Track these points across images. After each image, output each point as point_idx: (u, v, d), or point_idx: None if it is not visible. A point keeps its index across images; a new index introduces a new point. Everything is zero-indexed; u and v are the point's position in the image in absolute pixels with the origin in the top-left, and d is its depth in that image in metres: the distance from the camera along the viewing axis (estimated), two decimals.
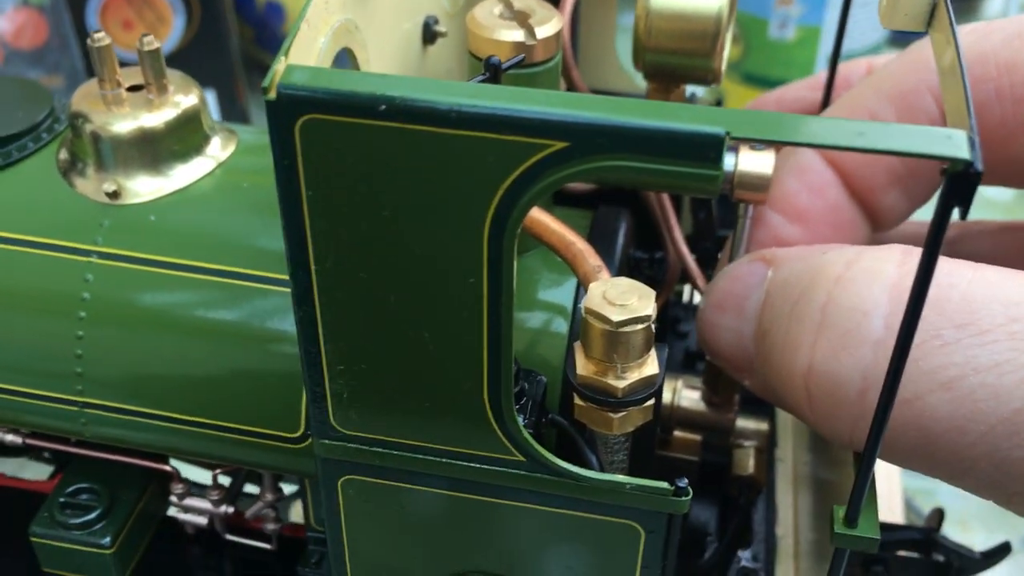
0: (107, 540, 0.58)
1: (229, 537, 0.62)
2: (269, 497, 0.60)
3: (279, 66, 0.36)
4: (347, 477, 0.46)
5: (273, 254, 0.55)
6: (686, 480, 0.42)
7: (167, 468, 0.60)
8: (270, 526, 0.61)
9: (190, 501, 0.61)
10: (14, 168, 0.59)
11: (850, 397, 0.40)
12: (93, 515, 0.59)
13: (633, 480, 0.43)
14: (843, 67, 0.63)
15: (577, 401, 0.46)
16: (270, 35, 1.65)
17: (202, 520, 0.62)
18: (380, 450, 0.45)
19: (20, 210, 0.57)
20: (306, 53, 0.40)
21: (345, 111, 0.35)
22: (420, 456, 0.44)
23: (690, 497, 0.42)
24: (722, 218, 0.69)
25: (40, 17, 1.44)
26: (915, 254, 0.39)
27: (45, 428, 0.58)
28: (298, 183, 0.37)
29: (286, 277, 0.52)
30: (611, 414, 0.45)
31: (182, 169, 0.58)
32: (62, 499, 0.59)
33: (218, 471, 0.60)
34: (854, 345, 0.40)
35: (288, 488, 0.63)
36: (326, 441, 0.45)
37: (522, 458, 0.43)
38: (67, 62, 1.48)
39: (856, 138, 0.32)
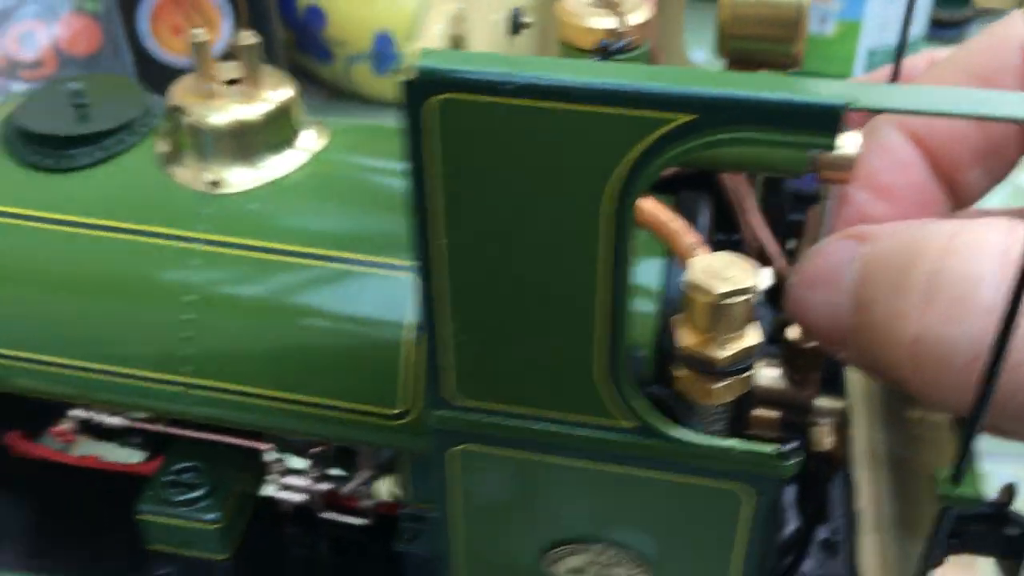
0: (213, 516, 0.61)
1: (324, 515, 0.64)
2: (365, 474, 0.61)
3: (413, 48, 0.38)
4: (458, 448, 0.48)
5: (367, 239, 0.57)
6: (797, 441, 0.43)
7: (266, 447, 0.62)
8: (365, 502, 0.63)
9: (288, 480, 0.63)
10: (115, 160, 0.61)
11: (958, 364, 0.42)
12: (198, 493, 0.61)
13: (742, 444, 0.44)
14: (905, 61, 0.64)
15: (677, 373, 0.48)
16: (310, 39, 1.67)
17: (299, 498, 0.64)
18: (494, 420, 0.47)
19: (124, 200, 0.60)
20: (427, 38, 0.43)
21: (477, 90, 0.37)
22: (533, 425, 0.46)
23: (800, 460, 0.44)
24: (783, 207, 0.70)
25: (94, 24, 1.47)
26: (1020, 224, 0.40)
27: (151, 409, 0.60)
28: (429, 159, 0.39)
29: (381, 260, 0.55)
30: (712, 384, 0.47)
31: (276, 160, 0.60)
32: (167, 478, 0.62)
33: (316, 449, 0.62)
34: (964, 313, 0.41)
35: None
36: (441, 412, 0.47)
37: (635, 424, 0.45)
38: (119, 68, 1.51)
39: (979, 105, 0.33)
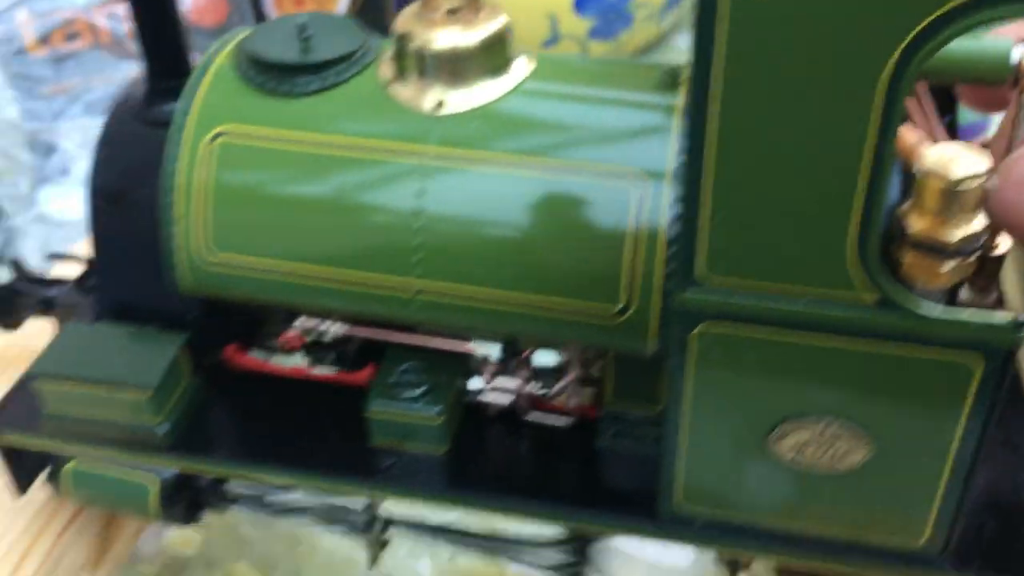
0: (436, 410, 0.66)
1: (529, 417, 0.69)
2: (571, 376, 0.66)
3: None
4: (701, 329, 0.53)
5: (584, 150, 0.61)
6: None
7: (477, 351, 0.67)
8: (572, 402, 0.67)
9: (496, 382, 0.68)
10: (343, 86, 0.66)
11: None
12: (420, 390, 0.66)
13: (977, 314, 0.48)
14: None
15: (905, 258, 0.52)
16: None
17: (505, 400, 0.69)
18: (741, 299, 0.51)
19: (356, 120, 0.65)
20: None
21: None
22: (778, 302, 0.51)
23: None
24: None
25: None
26: None
27: (380, 315, 0.65)
28: (717, 39, 0.44)
29: (600, 168, 0.59)
30: (942, 266, 0.51)
31: (492, 84, 0.65)
32: (392, 378, 0.67)
33: (528, 351, 0.67)
34: None
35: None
36: (689, 293, 0.52)
37: (877, 298, 0.49)
38: None
39: None
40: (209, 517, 0.77)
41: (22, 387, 0.72)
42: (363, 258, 0.64)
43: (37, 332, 0.91)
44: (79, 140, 1.32)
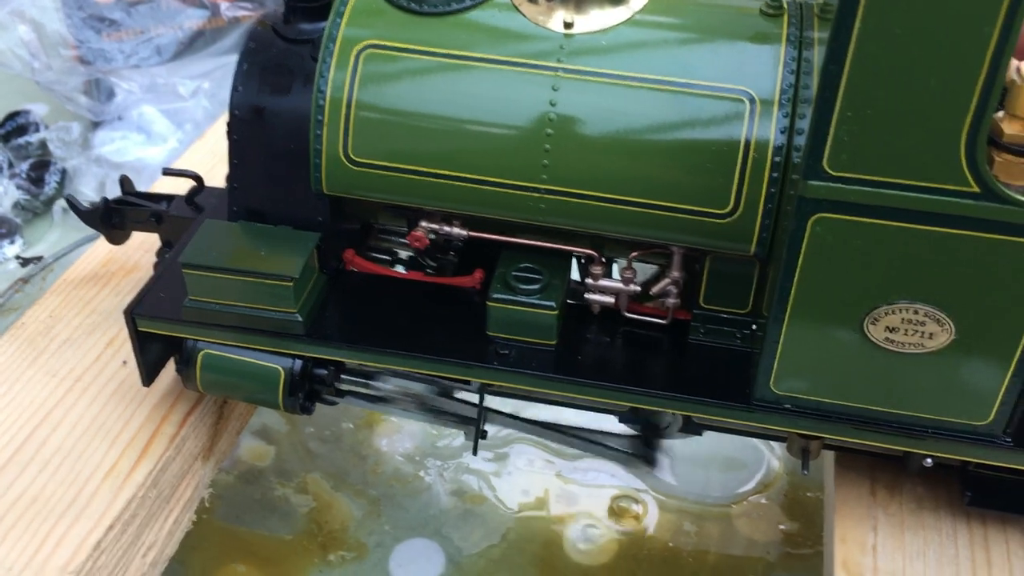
0: (552, 303, 0.73)
1: (628, 315, 0.77)
2: (675, 275, 0.74)
3: None
4: (820, 215, 0.61)
5: (708, 69, 0.69)
6: None
7: (589, 252, 0.75)
8: (668, 303, 0.75)
9: (602, 283, 0.76)
10: (473, 9, 0.74)
11: None
12: (537, 285, 0.74)
13: None
14: None
15: (999, 159, 0.60)
16: None
17: (607, 300, 0.76)
18: (860, 188, 0.59)
19: (492, 37, 0.72)
20: None
21: None
22: (892, 192, 0.59)
23: None
24: None
25: None
26: None
27: (509, 214, 0.72)
28: None
29: (720, 85, 0.67)
30: (997, 156, 0.59)
31: (613, 12, 0.73)
32: (511, 274, 0.74)
33: (635, 254, 0.75)
34: None
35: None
36: (814, 182, 0.60)
37: (978, 189, 0.58)
38: None
39: None
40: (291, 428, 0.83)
41: (159, 280, 0.79)
42: (495, 162, 0.71)
43: (138, 245, 0.98)
44: (140, 85, 1.37)
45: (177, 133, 1.39)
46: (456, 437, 1.09)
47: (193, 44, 1.43)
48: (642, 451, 0.83)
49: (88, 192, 1.37)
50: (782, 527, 0.99)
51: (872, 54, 0.55)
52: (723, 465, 1.06)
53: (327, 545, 0.97)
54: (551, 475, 1.05)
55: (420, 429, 1.10)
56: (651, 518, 1.01)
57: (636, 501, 1.02)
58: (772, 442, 1.06)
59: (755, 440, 1.06)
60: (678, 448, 1.06)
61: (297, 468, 1.06)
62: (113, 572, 0.74)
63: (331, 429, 1.10)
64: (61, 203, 1.36)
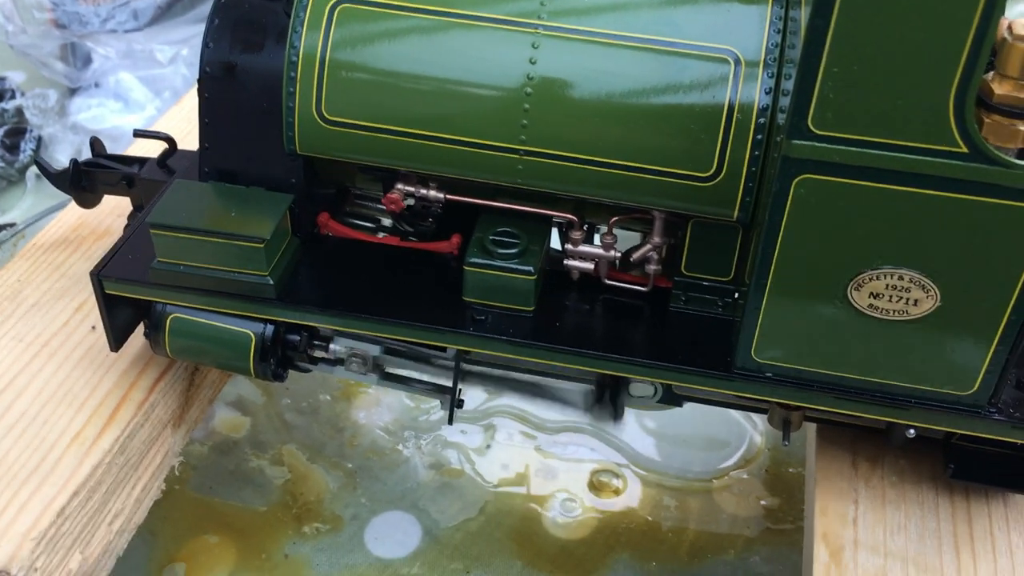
0: (528, 268, 0.71)
1: (608, 281, 0.75)
2: (657, 240, 0.72)
3: None
4: (804, 176, 0.59)
5: (692, 28, 0.67)
6: None
7: (569, 217, 0.73)
8: (651, 267, 0.74)
9: (581, 248, 0.74)
10: None
11: None
12: (515, 250, 0.72)
13: None
14: None
15: (988, 119, 0.59)
16: None
17: (587, 266, 0.75)
18: (844, 148, 0.58)
19: None
20: None
21: None
22: (878, 152, 0.57)
23: None
24: None
25: None
26: None
27: (486, 176, 0.70)
28: None
29: (705, 44, 0.65)
30: (1020, 125, 0.58)
31: None
32: (490, 236, 0.72)
33: (615, 219, 0.73)
34: None
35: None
36: (798, 141, 0.58)
37: (966, 150, 0.56)
38: None
39: None
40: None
41: (127, 242, 0.77)
42: (472, 122, 0.69)
43: (110, 210, 0.96)
44: (117, 51, 1.35)
45: (155, 100, 1.37)
46: (436, 411, 1.07)
47: (171, 9, 1.40)
48: (607, 403, 0.81)
49: (64, 160, 1.34)
50: (763, 502, 0.98)
51: (859, 7, 0.53)
52: (705, 444, 1.05)
53: (302, 517, 0.95)
54: (530, 449, 1.03)
55: (399, 402, 1.08)
56: (631, 493, 0.99)
57: (616, 476, 1.01)
58: (754, 417, 1.05)
59: (737, 416, 1.05)
60: (660, 425, 1.05)
61: (273, 439, 1.04)
62: (78, 539, 0.73)
63: (308, 401, 1.08)
64: (34, 170, 1.33)
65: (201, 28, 1.39)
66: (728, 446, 1.05)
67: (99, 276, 0.74)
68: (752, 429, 1.06)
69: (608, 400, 0.79)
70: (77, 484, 0.72)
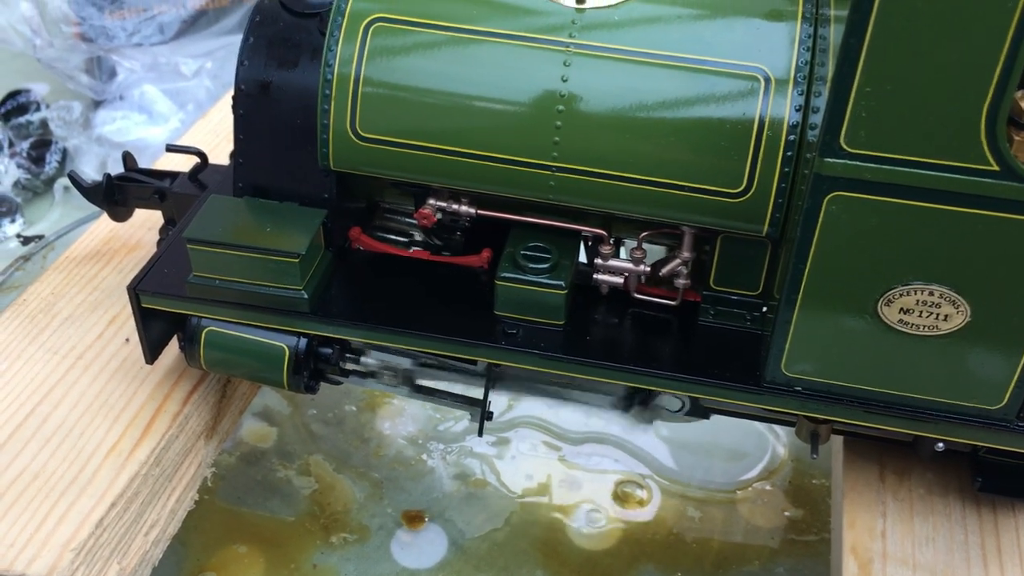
0: (562, 282, 0.72)
1: (637, 295, 0.76)
2: (686, 255, 0.73)
3: None
4: (836, 193, 0.60)
5: (715, 51, 0.68)
6: None
7: (598, 231, 0.74)
8: (680, 282, 0.74)
9: (612, 263, 0.75)
10: None
11: None
12: (546, 264, 0.73)
13: None
14: None
15: (1018, 137, 0.59)
16: None
17: (616, 280, 0.75)
18: (876, 166, 0.58)
19: (503, 12, 0.71)
20: None
21: None
22: (910, 170, 0.58)
23: None
24: None
25: None
26: None
27: (519, 192, 0.71)
28: None
29: (735, 62, 0.66)
30: (1017, 136, 0.58)
31: None
32: (519, 253, 0.73)
33: (645, 234, 0.74)
34: None
35: None
36: (830, 159, 0.59)
37: (997, 168, 0.57)
38: None
39: None
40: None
41: (163, 256, 0.78)
42: (505, 139, 0.70)
43: (140, 223, 0.97)
44: (142, 64, 1.36)
45: (179, 113, 1.38)
46: (460, 421, 1.08)
47: (196, 23, 1.41)
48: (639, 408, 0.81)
49: (89, 172, 1.35)
50: (787, 514, 0.99)
51: (892, 28, 0.54)
52: (727, 455, 1.05)
53: (329, 527, 0.96)
54: (554, 459, 1.04)
55: (423, 412, 1.09)
56: (655, 504, 1.00)
57: (640, 486, 1.01)
58: (777, 429, 1.06)
59: (760, 427, 1.06)
60: (682, 436, 1.06)
61: (299, 450, 1.05)
62: (116, 549, 0.74)
63: (333, 411, 1.09)
64: (62, 182, 1.35)
65: (224, 41, 1.41)
66: (750, 457, 1.05)
67: (136, 290, 0.76)
68: (774, 440, 1.06)
69: (639, 403, 0.79)
70: (115, 495, 0.73)
